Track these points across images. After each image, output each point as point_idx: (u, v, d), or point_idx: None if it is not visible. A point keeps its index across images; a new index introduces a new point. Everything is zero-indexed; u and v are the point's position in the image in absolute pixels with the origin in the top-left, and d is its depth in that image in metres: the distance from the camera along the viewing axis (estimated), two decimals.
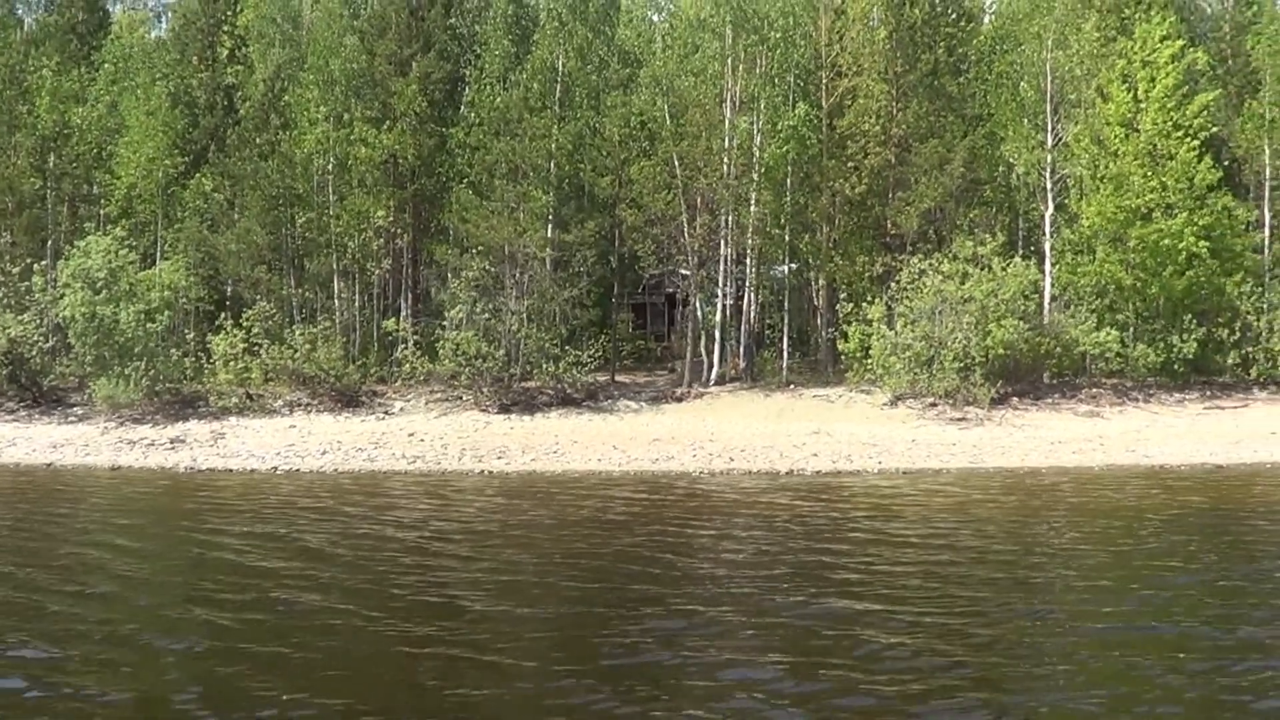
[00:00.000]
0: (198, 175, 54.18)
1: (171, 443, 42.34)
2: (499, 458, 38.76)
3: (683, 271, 52.26)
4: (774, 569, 22.69)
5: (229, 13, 60.31)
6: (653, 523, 28.23)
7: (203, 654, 17.02)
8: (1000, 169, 52.87)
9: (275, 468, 37.96)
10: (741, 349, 51.79)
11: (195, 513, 30.33)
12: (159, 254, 53.86)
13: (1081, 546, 25.26)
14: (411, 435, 42.77)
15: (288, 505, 31.09)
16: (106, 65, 58.18)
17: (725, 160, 50.15)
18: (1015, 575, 22.29)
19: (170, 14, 73.92)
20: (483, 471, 36.88)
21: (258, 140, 53.01)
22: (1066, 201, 50.20)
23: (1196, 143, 48.51)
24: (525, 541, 25.98)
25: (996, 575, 22.20)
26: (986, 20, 61.29)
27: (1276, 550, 24.83)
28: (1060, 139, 49.89)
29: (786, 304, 54.19)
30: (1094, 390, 48.58)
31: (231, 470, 38.05)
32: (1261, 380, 49.90)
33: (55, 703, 14.96)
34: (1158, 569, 22.45)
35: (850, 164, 50.96)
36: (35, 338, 47.90)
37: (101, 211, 56.19)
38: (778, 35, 50.59)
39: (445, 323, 47.48)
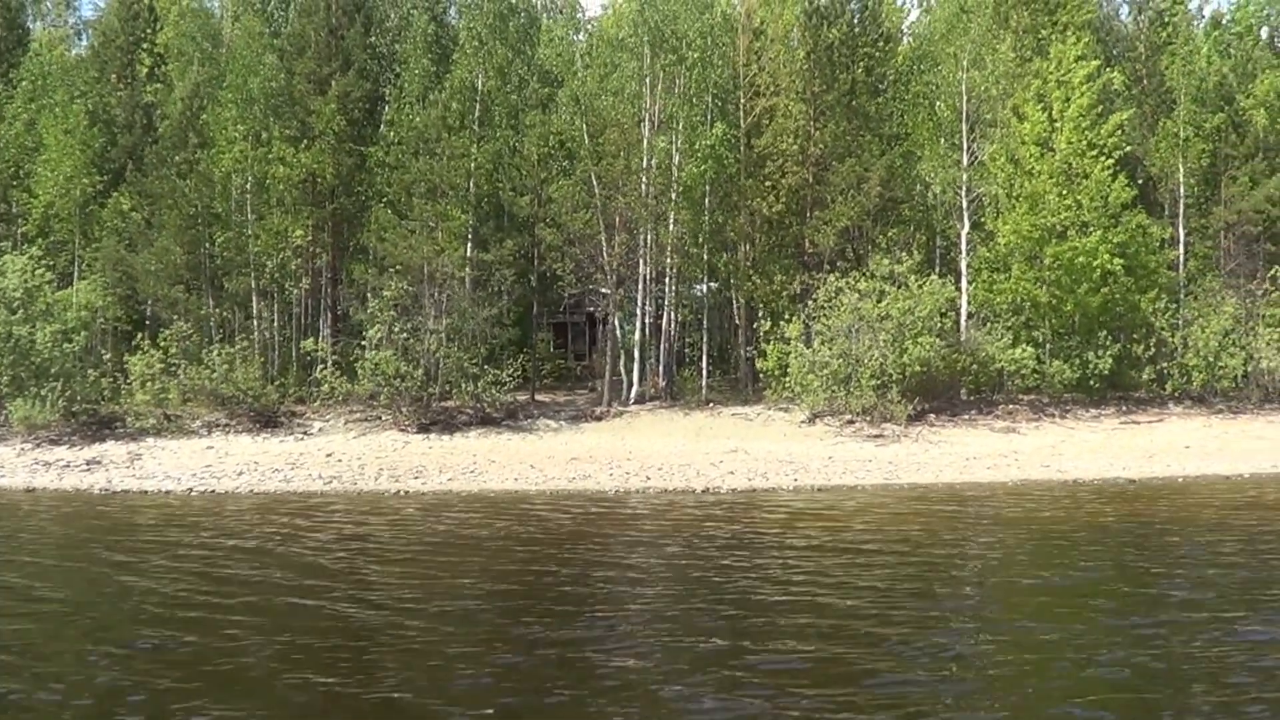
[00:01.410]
0: (115, 194, 53.68)
1: (88, 464, 41.79)
2: (416, 477, 38.56)
3: (602, 290, 52.34)
4: (663, 583, 23.22)
5: (148, 31, 60.09)
6: (554, 541, 28.41)
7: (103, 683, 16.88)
8: (918, 188, 53.30)
9: (191, 489, 37.47)
10: (661, 368, 51.81)
11: (96, 536, 30.07)
12: (76, 273, 53.36)
13: (970, 555, 26.03)
14: (329, 456, 42.45)
15: (191, 527, 30.83)
16: (24, 83, 57.55)
17: (644, 179, 50.30)
18: (899, 576, 22.90)
19: (90, 31, 73.30)
20: (399, 491, 36.61)
21: (175, 159, 52.49)
22: (983, 220, 50.70)
23: (1111, 161, 49.14)
24: (412, 561, 26.01)
25: (883, 581, 22.85)
26: (905, 41, 61.78)
27: (1143, 559, 25.55)
28: (976, 158, 50.41)
29: (706, 322, 54.31)
30: (1011, 406, 49.01)
31: (147, 492, 37.52)
32: (1176, 395, 50.62)
33: None
34: (1039, 577, 23.43)
35: (768, 183, 51.31)
36: None
37: (19, 231, 55.54)
38: (695, 55, 50.75)
39: (364, 342, 47.25)
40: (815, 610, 20.53)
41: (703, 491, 36.04)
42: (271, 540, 28.43)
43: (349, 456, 42.15)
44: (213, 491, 37.19)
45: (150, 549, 27.20)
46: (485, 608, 21.52)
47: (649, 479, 37.86)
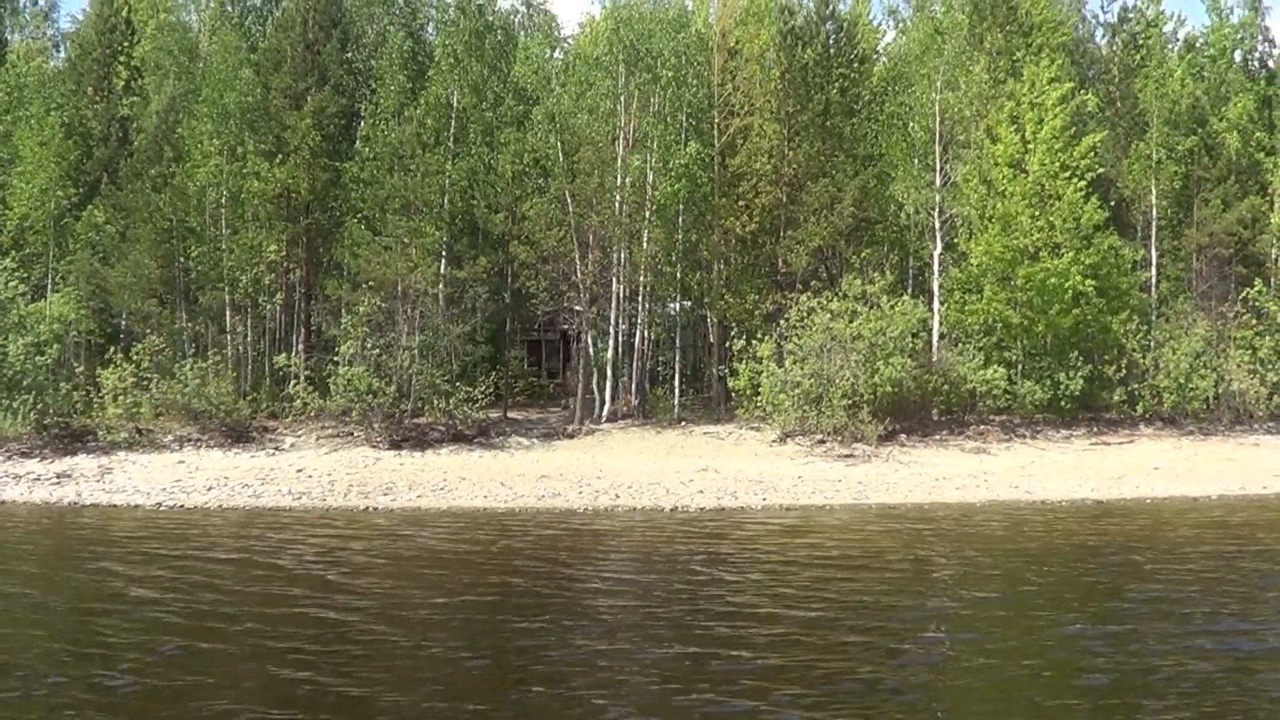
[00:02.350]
0: (90, 207, 53.62)
1: (58, 477, 41.67)
2: (385, 494, 38.54)
3: (575, 308, 52.33)
4: (617, 600, 23.73)
5: (125, 44, 59.96)
6: (515, 558, 28.78)
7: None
8: (891, 208, 53.44)
9: (160, 504, 37.47)
10: (634, 386, 51.87)
11: (62, 550, 30.14)
12: (50, 286, 53.28)
13: (920, 573, 26.32)
14: (300, 471, 42.40)
15: (155, 541, 31.03)
16: (0, 95, 57.55)
17: (618, 198, 50.40)
18: (847, 594, 23.24)
19: (68, 44, 73.23)
20: (367, 508, 36.61)
21: (150, 172, 52.47)
22: (955, 241, 50.81)
23: (1083, 183, 49.18)
24: (369, 576, 26.33)
25: (833, 596, 23.56)
26: (880, 62, 61.95)
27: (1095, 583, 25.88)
28: (949, 179, 50.56)
29: (679, 341, 54.28)
30: (982, 427, 49.06)
31: (116, 506, 37.54)
32: (1147, 416, 50.65)
33: None
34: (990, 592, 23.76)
35: (741, 202, 51.37)
36: None
37: None
38: (670, 74, 50.93)
39: (337, 358, 47.23)
40: (767, 621, 21.06)
41: (671, 510, 36.09)
42: (201, 564, 28.41)
43: (320, 472, 42.09)
44: (181, 506, 37.21)
45: (105, 569, 27.33)
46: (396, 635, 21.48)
47: (618, 497, 37.90)
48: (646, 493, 38.52)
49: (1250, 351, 50.63)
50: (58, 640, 20.72)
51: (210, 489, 39.56)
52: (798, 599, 23.59)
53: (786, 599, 23.57)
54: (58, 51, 76.13)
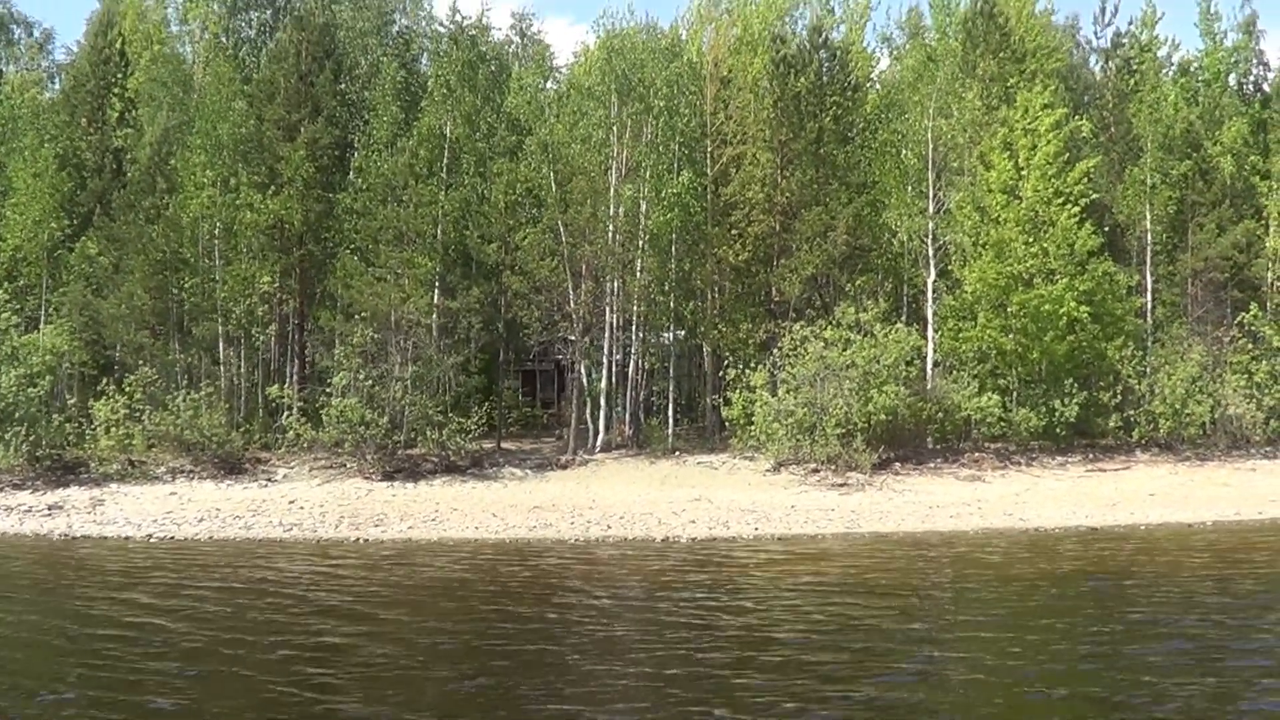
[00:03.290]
0: (84, 238, 53.62)
1: (49, 509, 41.48)
2: (376, 525, 38.36)
3: (569, 338, 52.24)
4: (599, 628, 23.77)
5: (119, 75, 60.01)
6: (497, 588, 28.92)
7: None
8: (885, 236, 53.37)
9: (150, 535, 37.23)
10: (628, 416, 51.81)
11: (44, 581, 30.14)
12: (43, 317, 53.26)
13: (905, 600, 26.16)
14: (292, 503, 42.23)
15: (137, 572, 31.02)
16: None
17: (610, 227, 50.42)
18: (826, 620, 22.95)
19: (63, 75, 73.34)
20: (358, 539, 36.41)
21: (144, 204, 52.46)
22: (950, 268, 50.74)
23: (1077, 209, 49.16)
24: (354, 605, 26.32)
25: (811, 623, 23.76)
26: (874, 89, 61.93)
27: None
28: (943, 206, 50.52)
29: (673, 370, 54.24)
30: (977, 454, 48.95)
31: (106, 538, 37.26)
32: (1143, 442, 50.53)
33: None
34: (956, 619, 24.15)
35: (734, 231, 51.36)
36: None
37: None
38: (662, 104, 50.98)
39: (329, 389, 47.14)
40: (750, 645, 21.13)
41: (663, 541, 35.90)
42: (185, 594, 28.28)
43: (311, 504, 41.94)
44: (172, 538, 36.96)
45: (86, 598, 27.20)
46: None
47: (610, 528, 37.75)
48: (639, 523, 38.34)
49: (1246, 376, 50.56)
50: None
51: (201, 520, 39.35)
52: (775, 623, 23.96)
53: (766, 626, 23.82)
54: (53, 83, 76.17)
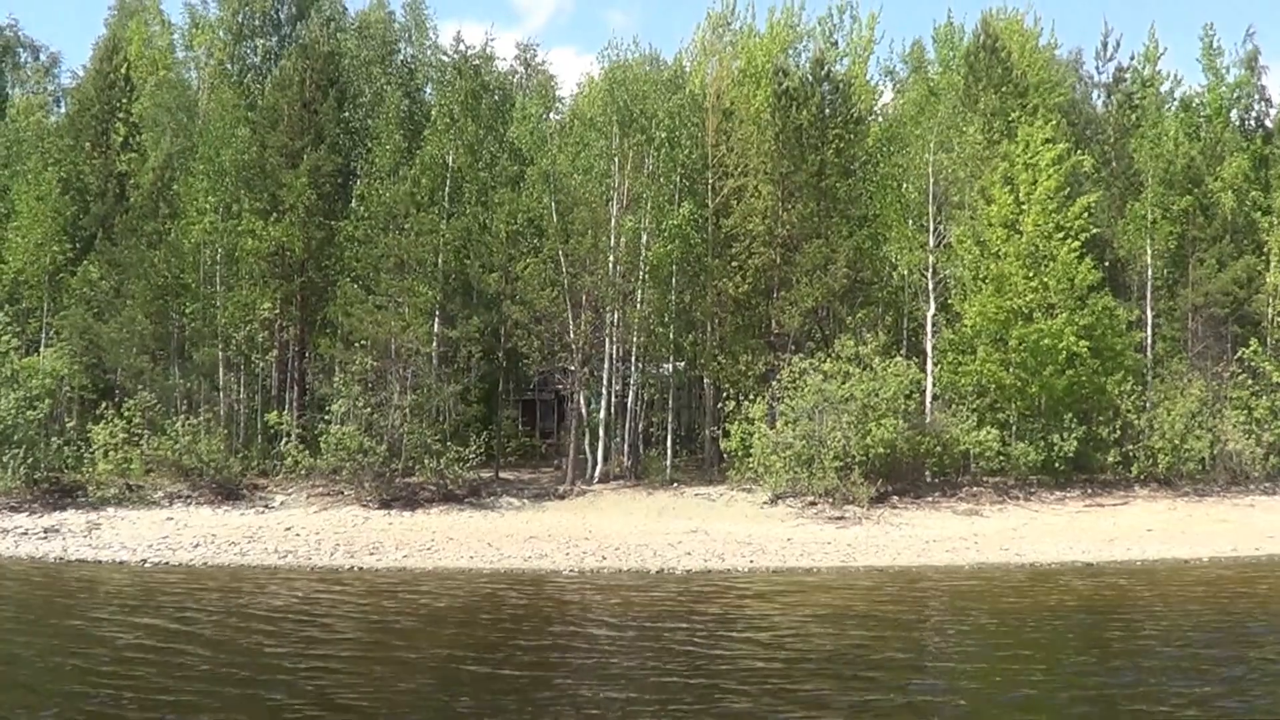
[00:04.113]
0: (85, 262, 53.69)
1: (45, 532, 41.45)
2: (371, 554, 38.30)
3: (569, 368, 52.22)
4: (579, 658, 24.17)
5: (125, 100, 60.16)
6: (470, 620, 29.20)
7: None
8: (885, 269, 53.44)
9: (145, 560, 37.20)
10: (627, 447, 51.79)
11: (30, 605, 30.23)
12: (43, 341, 53.35)
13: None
14: (288, 530, 42.20)
15: (127, 596, 31.34)
16: None
17: (611, 258, 50.49)
18: (808, 651, 23.03)
19: (68, 99, 73.55)
20: (352, 568, 36.39)
21: (146, 229, 52.56)
22: (950, 301, 50.77)
23: (1077, 244, 49.23)
24: (343, 633, 26.48)
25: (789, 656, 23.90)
26: (876, 121, 61.98)
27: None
28: (943, 240, 50.57)
29: (671, 402, 54.24)
30: (975, 489, 48.94)
31: (101, 562, 37.23)
32: (1142, 478, 50.54)
33: None
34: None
35: (735, 263, 51.35)
36: None
37: None
38: (663, 135, 51.14)
39: (328, 416, 47.16)
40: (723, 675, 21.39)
41: (657, 572, 35.87)
42: (178, 618, 28.31)
43: (307, 531, 41.91)
44: (166, 563, 36.92)
45: (73, 624, 27.20)
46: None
47: (604, 559, 37.68)
48: (634, 554, 38.28)
49: (1246, 411, 50.70)
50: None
51: (196, 546, 39.30)
52: (750, 655, 24.20)
53: (740, 657, 24.16)
54: (58, 106, 76.39)
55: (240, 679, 22.21)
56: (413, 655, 24.67)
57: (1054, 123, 52.67)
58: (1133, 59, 67.49)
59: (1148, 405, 51.01)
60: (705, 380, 53.91)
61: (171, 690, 21.29)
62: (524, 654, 24.69)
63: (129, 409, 48.04)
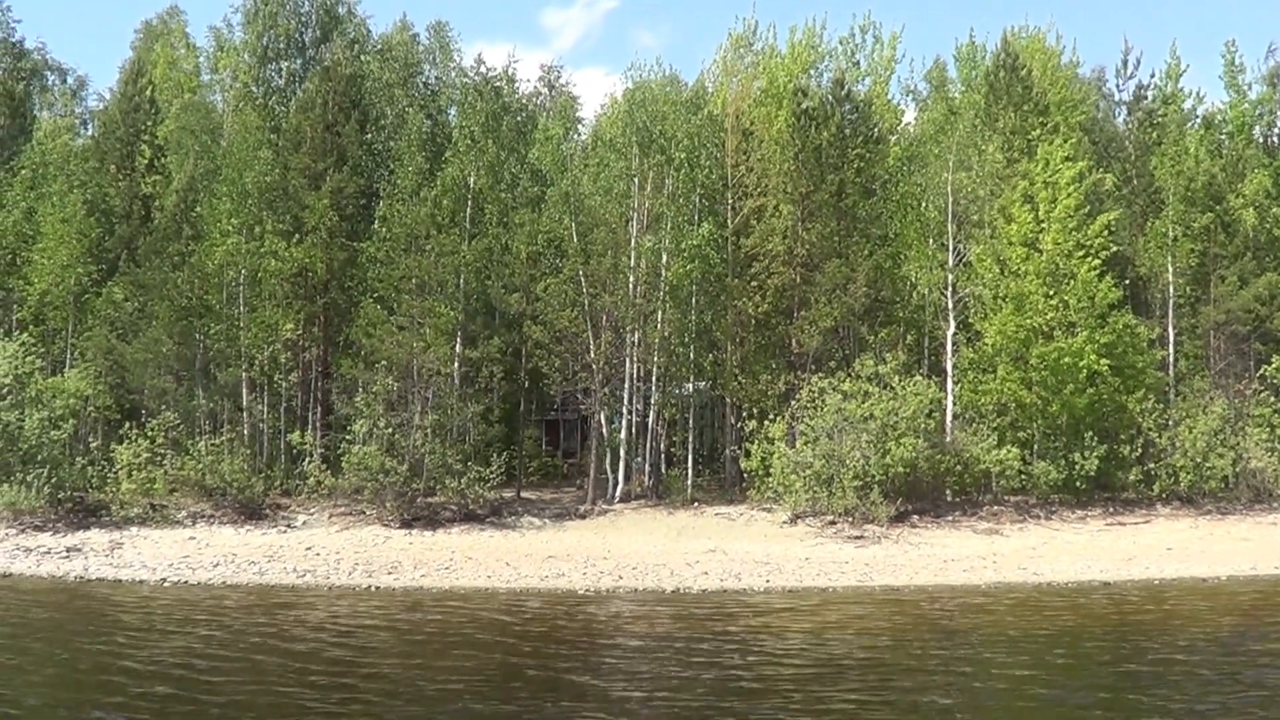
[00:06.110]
0: (110, 284, 54.07)
1: (68, 551, 41.75)
2: (389, 573, 38.47)
3: (590, 388, 52.32)
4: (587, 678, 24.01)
5: (150, 122, 60.58)
6: (470, 639, 29.41)
7: None
8: (905, 288, 53.46)
9: (165, 579, 37.41)
10: (648, 466, 51.90)
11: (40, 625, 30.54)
12: (68, 361, 53.75)
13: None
14: (309, 549, 42.41)
15: (140, 615, 31.60)
16: (24, 171, 58.38)
17: (631, 278, 50.64)
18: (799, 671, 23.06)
19: (94, 121, 74.08)
20: (370, 587, 36.56)
21: (169, 250, 52.90)
22: (970, 320, 50.75)
23: (1098, 262, 49.14)
24: (356, 652, 26.72)
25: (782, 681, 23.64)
26: (897, 141, 61.99)
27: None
28: (963, 258, 50.56)
29: (692, 421, 54.26)
30: (996, 508, 48.82)
31: (121, 581, 37.43)
32: (1164, 496, 50.29)
33: None
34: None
35: (754, 283, 51.48)
36: None
37: (14, 317, 55.92)
38: (683, 155, 51.24)
39: (350, 436, 47.38)
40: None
41: (672, 592, 35.95)
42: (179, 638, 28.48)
43: (328, 550, 42.13)
44: (185, 582, 37.15)
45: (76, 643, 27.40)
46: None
47: (621, 578, 37.79)
48: (651, 574, 38.39)
49: (1269, 429, 50.41)
50: None
51: (216, 565, 39.54)
52: (747, 680, 24.19)
53: (730, 678, 24.24)
54: (84, 129, 76.91)
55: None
56: (408, 676, 24.77)
57: (1074, 140, 52.64)
58: (1153, 76, 67.64)
59: (1169, 423, 50.79)
60: (727, 399, 53.94)
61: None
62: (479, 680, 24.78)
63: (152, 429, 48.44)
